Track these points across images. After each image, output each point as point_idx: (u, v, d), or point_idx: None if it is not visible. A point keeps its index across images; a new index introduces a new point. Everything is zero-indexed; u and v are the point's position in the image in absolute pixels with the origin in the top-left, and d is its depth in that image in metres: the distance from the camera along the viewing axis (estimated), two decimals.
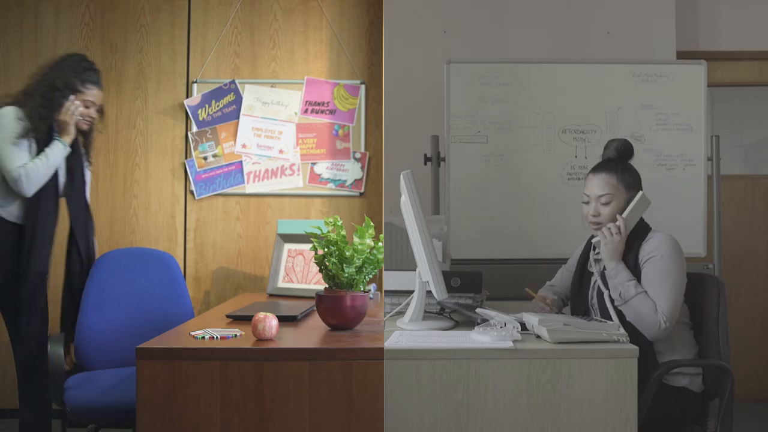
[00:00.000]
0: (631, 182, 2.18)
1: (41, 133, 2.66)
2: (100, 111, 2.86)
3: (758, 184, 4.19)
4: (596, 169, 2.22)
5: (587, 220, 2.21)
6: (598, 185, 2.18)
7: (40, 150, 2.65)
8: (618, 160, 2.22)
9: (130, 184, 3.70)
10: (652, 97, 3.26)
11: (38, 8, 3.72)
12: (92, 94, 2.78)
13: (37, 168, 2.60)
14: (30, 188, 2.60)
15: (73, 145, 2.77)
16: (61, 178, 2.76)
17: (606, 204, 2.16)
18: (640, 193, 2.16)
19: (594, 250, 2.25)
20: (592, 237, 2.23)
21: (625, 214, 2.14)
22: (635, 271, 2.09)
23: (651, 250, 2.09)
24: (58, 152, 2.68)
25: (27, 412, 2.62)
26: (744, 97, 4.68)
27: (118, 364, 2.59)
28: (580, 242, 2.39)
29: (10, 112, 2.64)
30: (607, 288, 2.13)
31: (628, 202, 2.16)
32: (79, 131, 2.81)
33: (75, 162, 2.82)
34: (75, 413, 2.29)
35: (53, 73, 2.73)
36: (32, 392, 2.61)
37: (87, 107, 2.77)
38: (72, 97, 2.71)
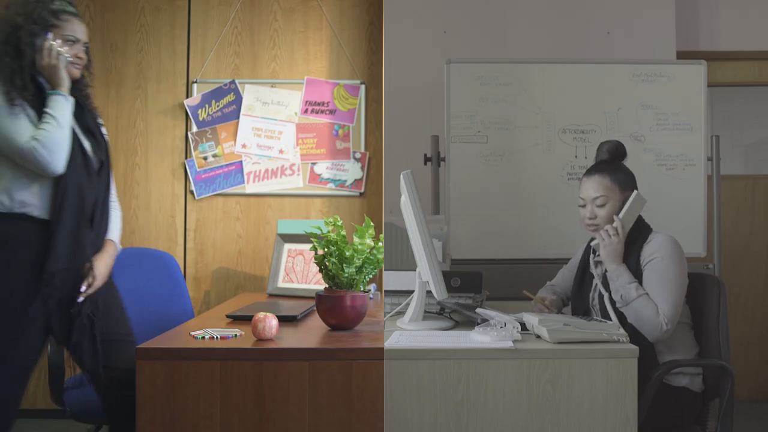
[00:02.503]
0: (625, 182, 2.18)
1: (26, 92, 2.02)
2: (87, 53, 2.20)
3: (758, 184, 4.19)
4: (589, 171, 2.22)
5: (584, 222, 2.21)
6: (593, 187, 2.18)
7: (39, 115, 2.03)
8: (611, 162, 2.23)
9: (130, 184, 3.70)
10: (652, 97, 3.26)
11: None
12: (72, 27, 2.11)
13: (49, 132, 1.97)
14: (55, 160, 1.97)
15: (78, 99, 2.14)
16: (86, 144, 2.13)
17: (601, 206, 2.17)
18: (635, 192, 2.16)
19: (594, 253, 2.25)
20: (592, 240, 2.23)
21: (621, 215, 2.14)
22: (637, 273, 2.09)
23: (652, 251, 2.09)
24: (61, 107, 2.03)
25: None
26: (744, 97, 4.68)
27: None
28: (582, 243, 2.39)
29: None
30: (608, 290, 2.13)
31: (623, 203, 2.16)
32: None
33: (89, 119, 2.19)
34: (75, 413, 2.29)
35: (12, 11, 2.07)
36: None
37: (70, 43, 2.12)
38: (50, 35, 2.06)
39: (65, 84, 2.07)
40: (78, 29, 2.13)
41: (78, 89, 2.16)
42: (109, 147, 2.24)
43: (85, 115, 2.16)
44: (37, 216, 2.00)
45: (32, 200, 2.00)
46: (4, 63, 2.01)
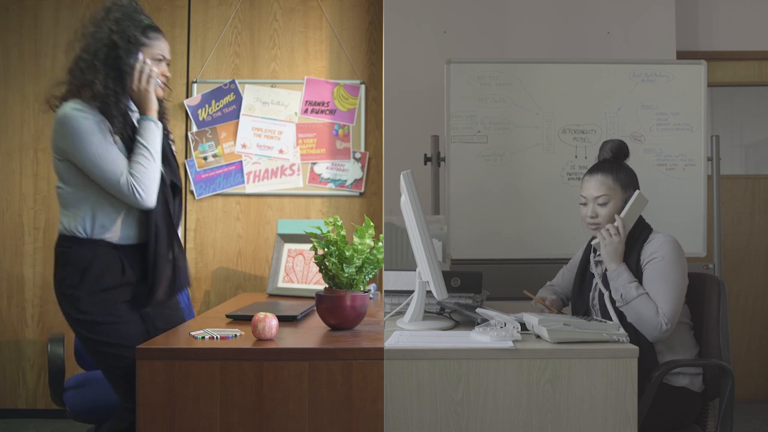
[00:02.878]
0: (627, 182, 2.18)
1: (126, 118, 2.01)
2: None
3: (758, 184, 4.19)
4: (592, 170, 2.22)
5: (585, 221, 2.21)
6: (595, 186, 2.18)
7: (124, 140, 2.01)
8: (613, 161, 2.23)
9: None
10: (652, 97, 3.26)
11: (38, 8, 3.72)
12: (160, 45, 2.09)
13: (145, 168, 1.98)
14: (150, 196, 2.00)
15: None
16: (163, 168, 2.12)
17: (603, 205, 2.17)
18: (637, 192, 2.16)
19: (594, 252, 2.25)
20: (593, 239, 2.23)
21: (623, 214, 2.14)
22: (637, 273, 2.09)
23: (652, 251, 2.09)
24: (153, 136, 2.01)
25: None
26: (744, 97, 4.68)
27: None
28: (581, 243, 2.39)
29: (72, 111, 1.96)
30: (608, 289, 2.13)
31: (625, 202, 2.16)
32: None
33: (165, 141, 2.14)
34: (75, 413, 2.29)
35: (105, 28, 2.00)
36: None
37: (158, 62, 2.09)
38: (141, 55, 2.03)
39: (155, 108, 2.06)
40: (165, 47, 2.11)
41: (159, 109, 2.12)
42: (179, 168, 2.26)
43: (162, 138, 2.13)
44: (114, 242, 2.03)
45: (112, 228, 2.02)
46: (108, 86, 1.98)
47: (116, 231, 2.03)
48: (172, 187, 2.15)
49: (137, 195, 1.97)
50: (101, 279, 2.00)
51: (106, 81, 1.98)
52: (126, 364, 1.94)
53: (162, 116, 2.15)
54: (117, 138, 1.98)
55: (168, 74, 2.13)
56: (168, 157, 2.16)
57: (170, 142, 2.23)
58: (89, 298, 1.99)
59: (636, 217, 2.16)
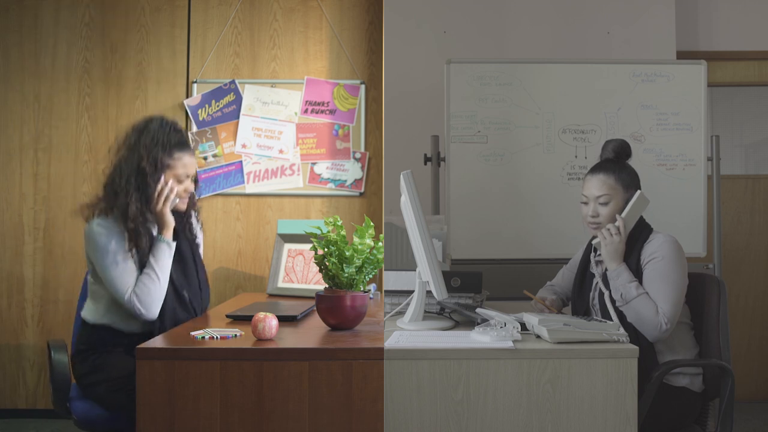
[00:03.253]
0: (629, 182, 2.18)
1: (146, 238, 2.21)
2: (195, 180, 2.34)
3: (758, 184, 4.19)
4: (594, 170, 2.22)
5: (586, 221, 2.21)
6: (596, 186, 2.18)
7: (139, 251, 2.20)
8: (615, 161, 2.22)
9: None
10: (652, 97, 3.26)
11: (38, 8, 3.72)
12: (183, 163, 2.25)
13: (149, 289, 2.17)
14: (150, 312, 2.19)
15: (176, 229, 2.29)
16: (174, 275, 2.31)
17: (604, 204, 2.16)
18: (639, 192, 2.16)
19: (595, 252, 2.25)
20: (593, 238, 2.23)
21: (624, 214, 2.14)
22: (637, 273, 2.09)
23: (652, 251, 2.09)
24: (164, 257, 2.22)
25: None
26: (744, 97, 4.68)
27: None
28: (581, 243, 2.39)
29: (97, 227, 2.18)
30: (608, 288, 2.13)
31: (626, 202, 2.16)
32: (176, 212, 2.31)
33: (184, 246, 2.35)
34: (81, 422, 2.24)
35: (137, 154, 2.20)
36: None
37: (180, 181, 2.26)
38: (162, 177, 2.22)
39: (171, 227, 2.25)
40: (189, 163, 2.27)
41: (180, 216, 2.33)
42: (201, 270, 2.46)
43: (180, 243, 2.32)
44: (121, 330, 2.24)
45: (119, 321, 2.24)
46: (137, 208, 2.18)
47: (122, 324, 2.24)
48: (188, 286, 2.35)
49: (138, 311, 2.17)
50: (93, 354, 2.24)
51: (136, 204, 2.19)
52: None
53: (189, 226, 2.39)
54: (134, 252, 2.19)
55: (191, 190, 2.31)
56: (185, 258, 2.33)
57: (193, 244, 2.41)
58: (86, 363, 2.25)
59: (637, 218, 2.16)
